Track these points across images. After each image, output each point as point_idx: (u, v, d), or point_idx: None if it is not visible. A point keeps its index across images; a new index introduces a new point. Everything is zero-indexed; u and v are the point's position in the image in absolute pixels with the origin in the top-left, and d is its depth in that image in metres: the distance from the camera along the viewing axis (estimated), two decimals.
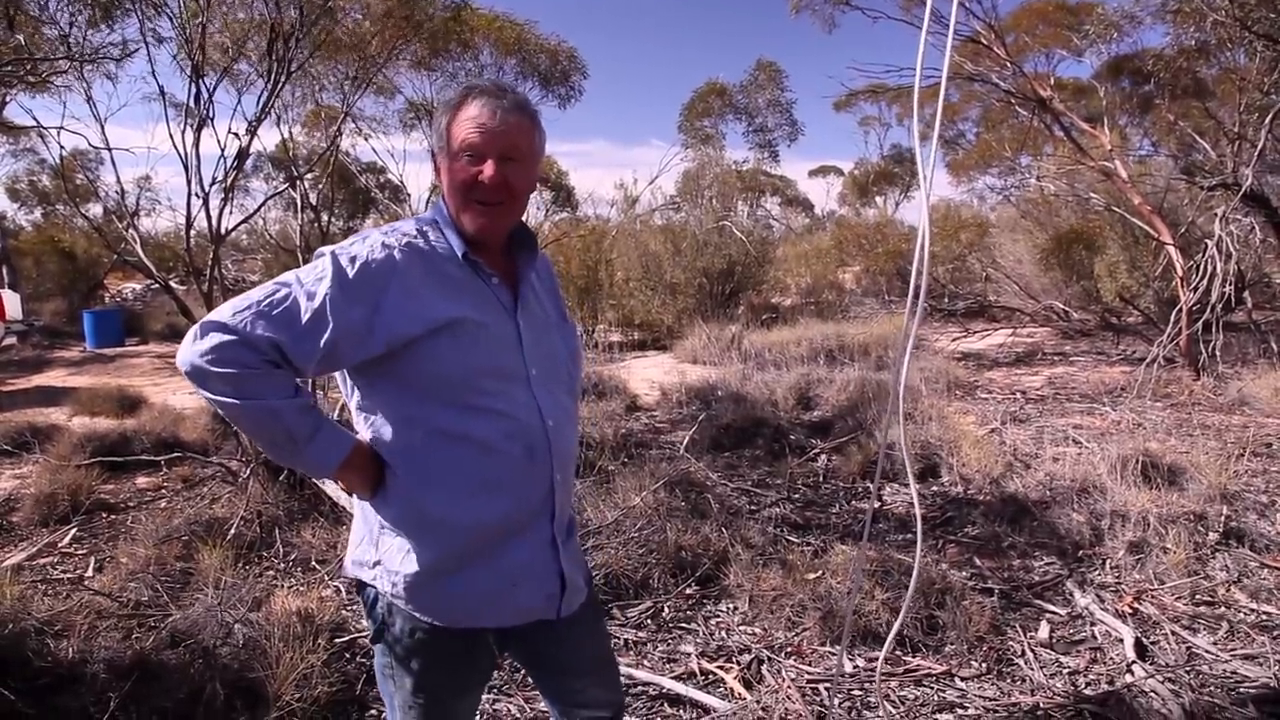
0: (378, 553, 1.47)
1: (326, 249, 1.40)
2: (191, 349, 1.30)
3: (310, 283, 1.34)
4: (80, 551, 4.10)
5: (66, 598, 3.20)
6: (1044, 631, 3.11)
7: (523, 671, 2.82)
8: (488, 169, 1.40)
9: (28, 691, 2.43)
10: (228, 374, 1.29)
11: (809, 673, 2.84)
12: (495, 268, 1.49)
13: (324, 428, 1.39)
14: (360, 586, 1.53)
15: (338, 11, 5.42)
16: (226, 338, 1.29)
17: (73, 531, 4.32)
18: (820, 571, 3.41)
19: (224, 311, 1.32)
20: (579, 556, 1.63)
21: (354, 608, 3.30)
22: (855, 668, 2.89)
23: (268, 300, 1.32)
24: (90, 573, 3.79)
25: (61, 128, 4.67)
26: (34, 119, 5.06)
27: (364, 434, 1.46)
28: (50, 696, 2.45)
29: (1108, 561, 3.66)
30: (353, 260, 1.36)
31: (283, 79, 4.76)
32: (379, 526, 1.47)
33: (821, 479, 5.04)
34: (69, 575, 3.77)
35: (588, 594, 1.62)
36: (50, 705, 2.42)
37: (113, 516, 4.60)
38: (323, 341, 1.33)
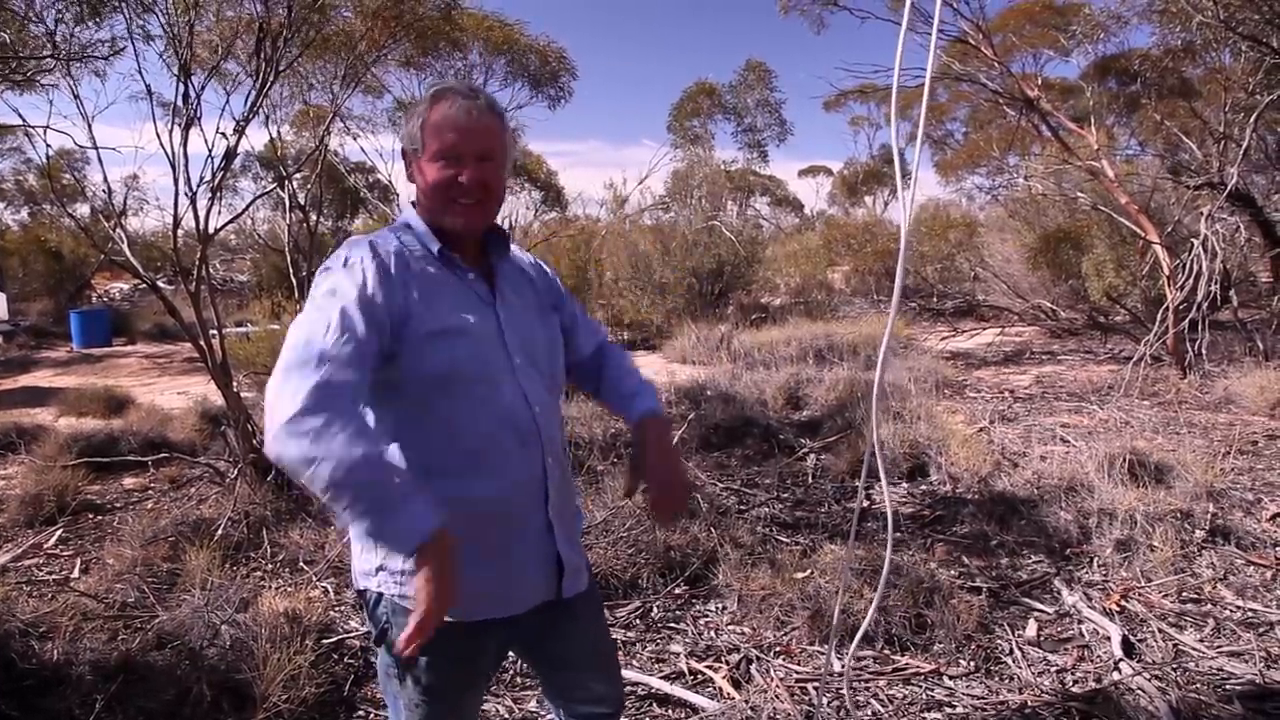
0: (378, 557, 1.47)
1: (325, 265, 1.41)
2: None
3: (334, 291, 1.35)
4: (66, 553, 4.07)
5: (52, 599, 3.19)
6: (1032, 630, 3.12)
7: (510, 671, 2.83)
8: (468, 171, 1.44)
9: (12, 693, 2.41)
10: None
11: (797, 672, 2.85)
12: (470, 264, 1.52)
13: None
14: (362, 593, 1.53)
15: (328, 9, 5.39)
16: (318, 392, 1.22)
17: (58, 532, 4.29)
18: (809, 571, 3.42)
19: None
20: (579, 543, 1.64)
21: (342, 609, 3.30)
22: (843, 667, 2.90)
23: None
24: (76, 574, 3.77)
25: (48, 127, 4.62)
26: (20, 117, 5.02)
27: None
28: (35, 699, 2.43)
29: (1095, 559, 3.68)
30: (357, 260, 1.39)
31: (271, 78, 4.74)
32: None
33: (811, 478, 5.05)
34: (54, 576, 3.75)
35: (589, 584, 1.65)
36: (35, 707, 2.40)
37: (99, 517, 4.58)
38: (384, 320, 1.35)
